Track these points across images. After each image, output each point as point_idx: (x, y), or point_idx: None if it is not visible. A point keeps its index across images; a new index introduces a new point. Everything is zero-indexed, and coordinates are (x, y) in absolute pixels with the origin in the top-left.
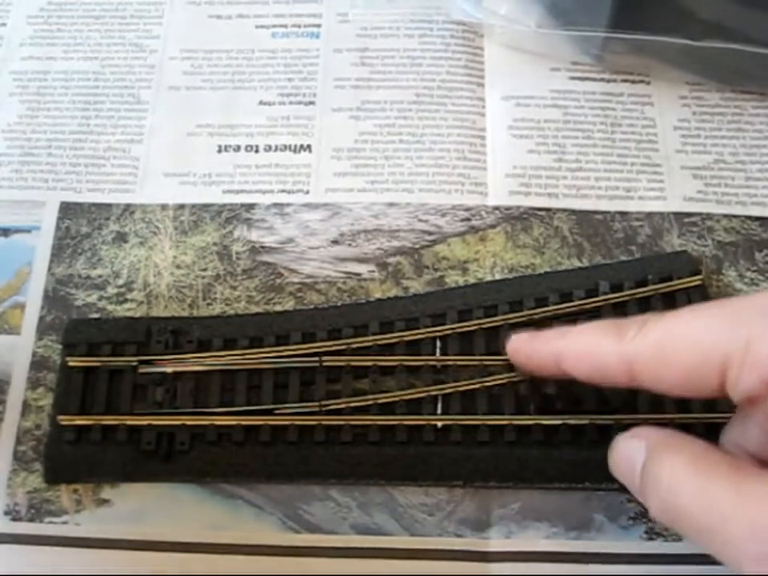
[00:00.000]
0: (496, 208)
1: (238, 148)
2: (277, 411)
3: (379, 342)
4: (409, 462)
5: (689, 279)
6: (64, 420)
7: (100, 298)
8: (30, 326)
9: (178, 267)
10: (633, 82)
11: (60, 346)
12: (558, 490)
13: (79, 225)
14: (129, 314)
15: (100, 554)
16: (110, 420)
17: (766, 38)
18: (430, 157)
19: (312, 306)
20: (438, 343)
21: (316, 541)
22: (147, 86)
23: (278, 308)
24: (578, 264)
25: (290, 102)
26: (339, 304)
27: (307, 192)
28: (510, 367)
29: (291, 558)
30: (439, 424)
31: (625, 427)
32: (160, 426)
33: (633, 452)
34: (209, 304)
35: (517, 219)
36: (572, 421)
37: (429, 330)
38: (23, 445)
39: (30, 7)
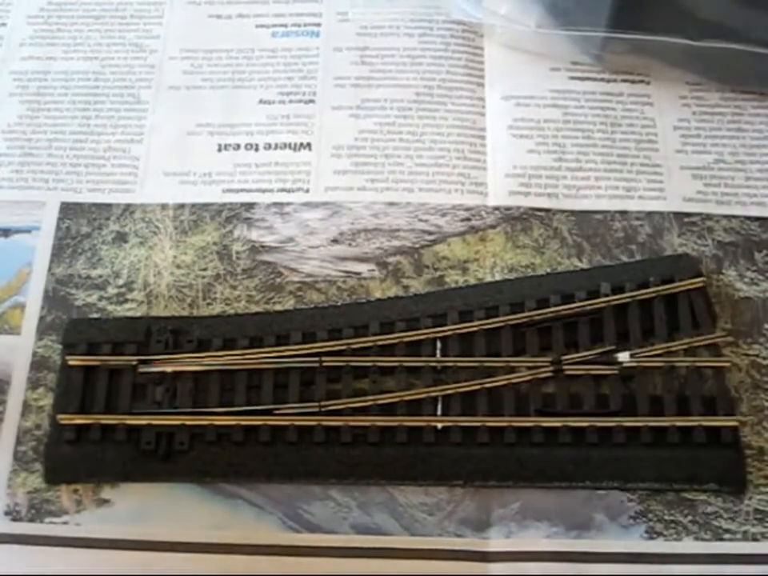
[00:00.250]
0: (496, 208)
1: (237, 147)
2: (276, 411)
3: (379, 343)
4: (409, 461)
5: (690, 281)
6: (63, 419)
7: (100, 298)
8: (30, 326)
9: (178, 267)
10: (633, 81)
11: (60, 346)
12: (559, 489)
13: (79, 225)
14: (129, 314)
15: (100, 554)
16: (109, 419)
17: (766, 38)
18: (430, 156)
19: (312, 306)
20: (439, 344)
21: (316, 540)
22: (147, 85)
23: (278, 307)
24: (577, 264)
25: (290, 101)
26: (339, 303)
27: (307, 190)
28: (510, 369)
29: (291, 558)
30: (439, 425)
31: (625, 429)
32: (159, 426)
33: None
34: (209, 304)
35: (517, 220)
36: (572, 423)
37: (429, 330)
38: (23, 445)
39: (30, 7)
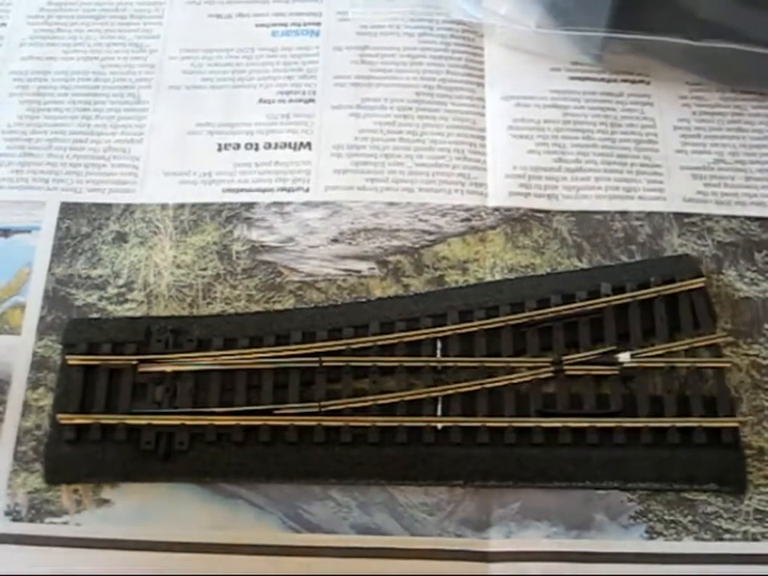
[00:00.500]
0: (496, 209)
1: (237, 146)
2: (276, 411)
3: (379, 343)
4: (409, 461)
5: (691, 281)
6: (63, 419)
7: (100, 298)
8: (31, 327)
9: (178, 267)
10: (633, 81)
11: (60, 346)
12: (559, 490)
13: (79, 225)
14: (129, 314)
15: (100, 554)
16: (109, 419)
17: (766, 38)
18: (430, 156)
19: (312, 305)
20: (439, 344)
21: (316, 541)
22: (147, 85)
23: (278, 307)
24: (577, 264)
25: (290, 100)
26: (339, 303)
27: (307, 190)
28: (510, 369)
29: (291, 558)
30: (439, 425)
31: (625, 430)
32: (159, 426)
33: None
34: (209, 303)
35: (516, 221)
36: (572, 423)
37: (429, 330)
38: (23, 445)
39: (30, 7)
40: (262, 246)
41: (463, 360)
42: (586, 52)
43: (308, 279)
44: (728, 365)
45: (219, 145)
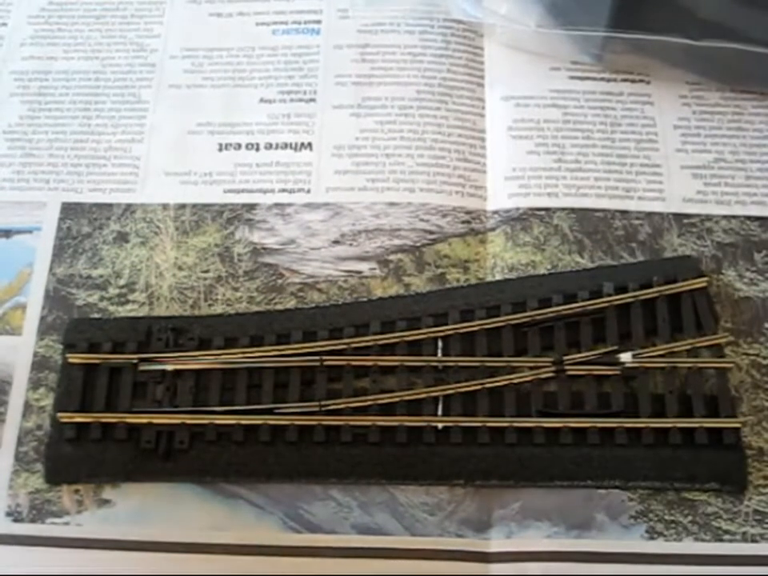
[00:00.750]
0: (495, 212)
1: (238, 146)
2: (277, 411)
3: (380, 342)
4: (409, 461)
5: (693, 281)
6: (64, 417)
7: (101, 299)
8: (31, 327)
9: (180, 269)
10: (633, 81)
11: (61, 346)
12: (559, 489)
13: (80, 225)
14: (130, 315)
15: (101, 554)
16: (109, 418)
17: (766, 38)
18: (430, 156)
19: (313, 305)
20: (440, 343)
21: (317, 541)
22: (148, 84)
23: (279, 308)
24: (578, 260)
25: (291, 100)
26: (340, 303)
27: (308, 191)
28: (512, 369)
29: (292, 558)
30: (440, 425)
31: (627, 430)
32: (160, 425)
33: None
34: (210, 305)
35: (516, 220)
36: (573, 423)
37: (430, 330)
38: (24, 445)
39: (30, 7)
40: (264, 248)
41: (464, 360)
42: (585, 52)
43: (309, 281)
44: (731, 365)
45: (220, 145)
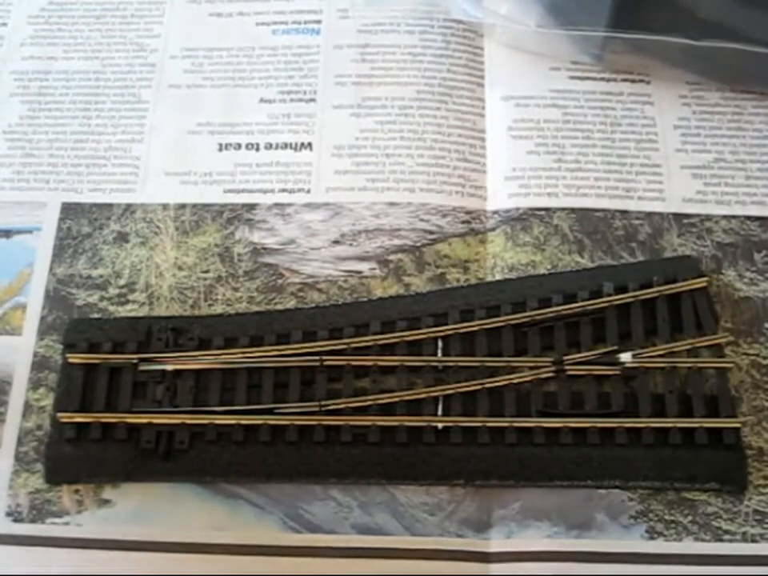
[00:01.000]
0: (495, 212)
1: (238, 146)
2: (277, 411)
3: (380, 342)
4: (409, 461)
5: (693, 281)
6: (64, 417)
7: (101, 299)
8: (32, 327)
9: (180, 269)
10: (633, 81)
11: (61, 346)
12: (559, 489)
13: (80, 225)
14: (131, 314)
15: (101, 554)
16: (109, 418)
17: (766, 38)
18: (430, 156)
19: (313, 305)
20: (440, 343)
21: (317, 541)
22: (148, 84)
23: (280, 308)
24: (579, 260)
25: (291, 100)
26: (340, 303)
27: (308, 191)
28: (512, 369)
29: (292, 559)
30: (440, 425)
31: (627, 430)
32: (160, 425)
33: None
34: (210, 305)
35: (516, 220)
36: (573, 424)
37: (430, 329)
38: (25, 445)
39: (30, 7)
40: (264, 249)
41: (464, 359)
42: (585, 52)
43: (309, 281)
44: (731, 365)
45: (220, 145)
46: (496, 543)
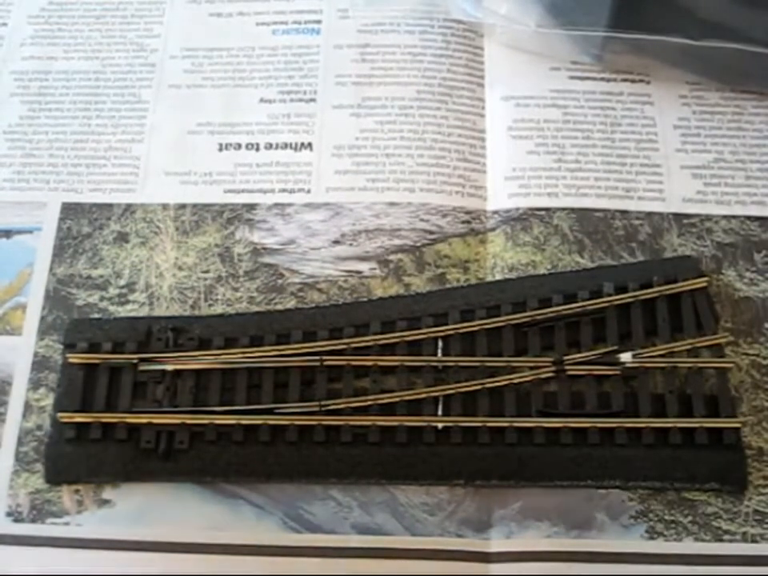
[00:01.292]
0: (495, 212)
1: (238, 146)
2: (277, 411)
3: (380, 342)
4: (409, 461)
5: (693, 281)
6: (64, 417)
7: (101, 299)
8: (32, 327)
9: (180, 269)
10: (633, 81)
11: (61, 346)
12: (559, 489)
13: (80, 225)
14: (131, 314)
15: (101, 554)
16: (109, 418)
17: (766, 38)
18: (430, 156)
19: (313, 305)
20: (440, 343)
21: (317, 541)
22: (148, 84)
23: (280, 308)
24: (579, 260)
25: (291, 100)
26: (340, 303)
27: (308, 191)
28: (512, 369)
29: (292, 559)
30: (440, 425)
31: (627, 430)
32: (160, 425)
33: None
34: (210, 305)
35: (516, 220)
36: (574, 424)
37: (430, 329)
38: (25, 446)
39: (30, 7)
40: (264, 249)
41: (464, 359)
42: (585, 52)
43: (309, 281)
44: (731, 365)
45: (220, 145)
46: (496, 543)
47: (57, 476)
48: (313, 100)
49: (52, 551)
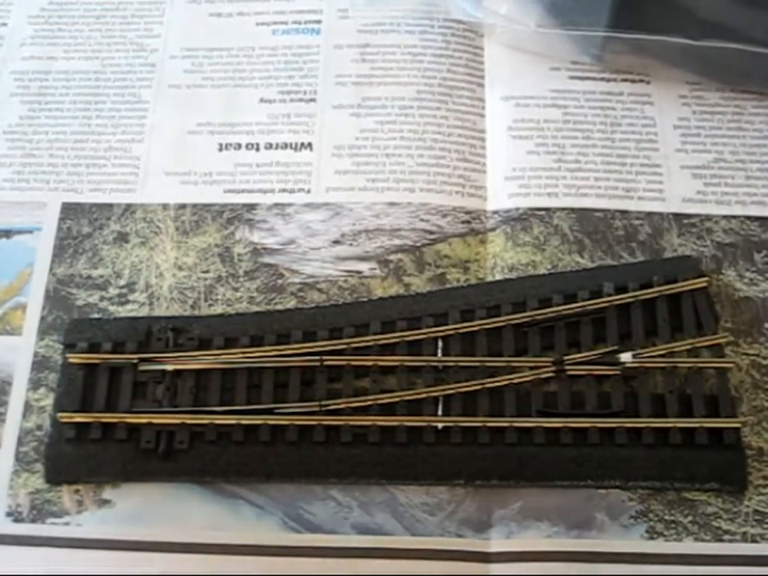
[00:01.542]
0: (495, 212)
1: (238, 146)
2: (277, 411)
3: (380, 342)
4: (409, 461)
5: (693, 281)
6: (64, 417)
7: (101, 299)
8: (32, 327)
9: (180, 269)
10: (633, 81)
11: (61, 346)
12: (559, 489)
13: (80, 225)
14: (131, 314)
15: (101, 554)
16: (109, 418)
17: (766, 38)
18: (430, 156)
19: (313, 305)
20: (440, 343)
21: (317, 541)
22: (148, 84)
23: (280, 308)
24: (579, 260)
25: (291, 100)
26: (340, 303)
27: (308, 191)
28: (512, 369)
29: (292, 559)
30: (440, 425)
31: (627, 430)
32: (160, 425)
33: None
34: (210, 305)
35: (516, 220)
36: (574, 424)
37: (430, 329)
38: (25, 446)
39: (30, 7)
40: (264, 249)
41: (464, 359)
42: (585, 52)
43: (309, 281)
44: (731, 365)
45: (220, 145)
46: (496, 543)
47: (57, 476)
48: (313, 100)
49: (52, 551)
